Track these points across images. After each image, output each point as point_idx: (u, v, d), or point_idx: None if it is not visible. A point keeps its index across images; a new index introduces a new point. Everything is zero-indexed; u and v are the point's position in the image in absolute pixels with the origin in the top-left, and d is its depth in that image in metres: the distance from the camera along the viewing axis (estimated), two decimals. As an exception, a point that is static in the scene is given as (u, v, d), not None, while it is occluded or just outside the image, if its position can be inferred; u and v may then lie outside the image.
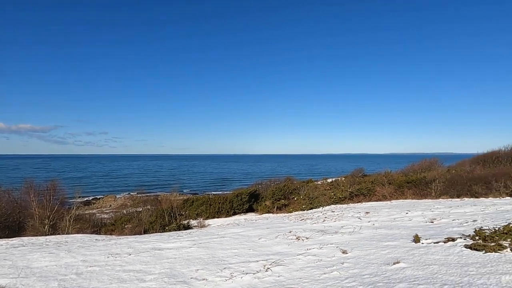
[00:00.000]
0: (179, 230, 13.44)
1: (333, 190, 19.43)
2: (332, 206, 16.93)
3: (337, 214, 11.80)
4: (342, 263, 5.18)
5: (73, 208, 16.44)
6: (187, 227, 14.69)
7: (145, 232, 15.25)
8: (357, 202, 16.91)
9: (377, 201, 16.54)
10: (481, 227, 6.16)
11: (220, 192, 33.67)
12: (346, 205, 16.46)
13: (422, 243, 5.80)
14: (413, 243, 5.97)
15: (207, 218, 18.54)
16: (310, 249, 6.54)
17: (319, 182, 25.94)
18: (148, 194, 30.08)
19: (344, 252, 5.95)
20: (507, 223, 5.72)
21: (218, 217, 18.98)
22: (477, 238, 5.26)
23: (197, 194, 36.80)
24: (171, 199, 19.95)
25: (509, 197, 13.23)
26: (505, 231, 5.19)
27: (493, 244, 4.78)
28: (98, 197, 38.51)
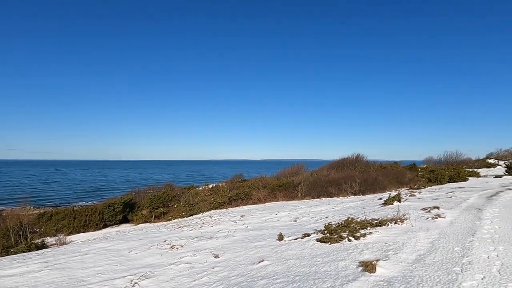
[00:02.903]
0: (30, 251, 11.15)
1: (213, 195, 19.78)
2: (212, 211, 17.20)
3: (215, 219, 12.04)
4: (213, 268, 5.28)
5: None
6: (41, 246, 12.32)
7: (-22, 258, 12.03)
8: (236, 206, 17.68)
9: (253, 204, 17.68)
10: (330, 222, 7.32)
11: (91, 203, 29.71)
12: (225, 209, 17.00)
13: (285, 241, 6.47)
14: (278, 241, 6.59)
15: (70, 233, 16.01)
16: (183, 257, 6.42)
17: (200, 188, 25.97)
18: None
19: (217, 256, 6.08)
20: (347, 217, 6.97)
21: (85, 232, 16.64)
22: (326, 232, 6.21)
23: (59, 206, 31.48)
24: (20, 214, 16.39)
25: (353, 196, 16.21)
26: (345, 224, 6.30)
27: (336, 236, 5.72)
28: None
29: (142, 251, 7.48)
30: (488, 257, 4.19)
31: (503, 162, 32.78)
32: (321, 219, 9.06)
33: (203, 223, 11.34)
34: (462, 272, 3.66)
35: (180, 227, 11.36)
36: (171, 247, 7.60)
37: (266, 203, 17.27)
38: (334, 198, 16.07)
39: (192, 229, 10.16)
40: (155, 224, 16.27)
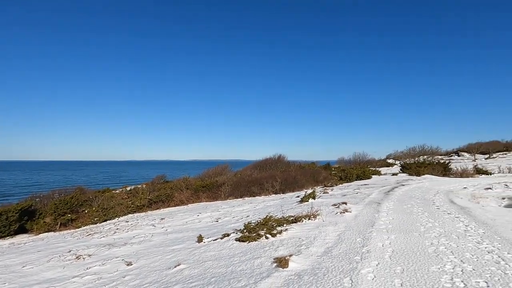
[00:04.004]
0: None
1: (131, 198, 18.45)
2: (129, 215, 16.04)
3: (131, 224, 11.23)
4: (124, 277, 4.87)
5: None
6: None
7: None
8: (156, 209, 16.81)
9: (175, 206, 17.05)
10: (250, 221, 7.46)
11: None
12: (144, 213, 16.04)
13: (204, 242, 6.35)
14: (197, 243, 6.44)
15: None
16: (90, 267, 5.79)
17: (117, 191, 24.03)
18: None
19: (129, 264, 5.64)
20: (266, 216, 7.19)
21: (-35, 247, 13.83)
22: (245, 231, 6.29)
23: None
24: None
25: (274, 195, 16.88)
26: (263, 222, 6.48)
27: (254, 234, 5.84)
28: None
29: (40, 265, 6.52)
30: (382, 245, 4.75)
31: (399, 162, 38.09)
32: (242, 218, 9.17)
33: (117, 229, 10.46)
34: (361, 260, 4.06)
35: (90, 234, 10.29)
36: (77, 257, 6.80)
37: (189, 205, 16.83)
38: (257, 197, 16.49)
39: (103, 236, 9.28)
40: (61, 232, 14.43)
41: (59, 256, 7.12)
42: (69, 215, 16.74)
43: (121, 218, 15.11)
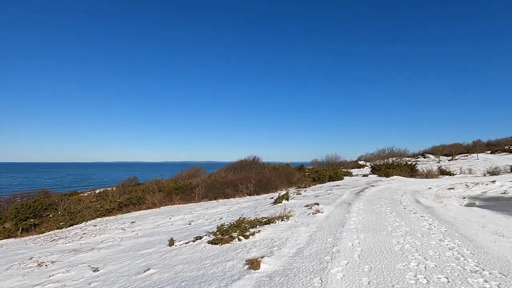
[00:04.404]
0: None
1: (100, 201, 17.74)
2: (98, 219, 15.43)
3: (100, 228, 10.80)
4: (90, 284, 4.66)
5: None
6: None
7: None
8: (127, 212, 16.29)
9: (147, 209, 16.60)
10: (224, 223, 7.40)
11: None
12: (114, 216, 15.49)
13: (176, 246, 6.22)
14: (168, 246, 6.29)
15: None
16: (53, 275, 5.49)
17: (85, 194, 23.05)
18: None
19: (96, 270, 5.41)
20: (239, 217, 7.16)
21: None
22: (217, 233, 6.23)
23: None
24: None
25: (249, 196, 16.89)
26: (236, 224, 6.45)
27: (227, 236, 5.80)
28: None
29: (-3, 274, 6.10)
30: (352, 245, 4.88)
31: (369, 164, 39.36)
32: (215, 220, 9.08)
33: (84, 234, 10.02)
34: (331, 260, 4.14)
35: (54, 240, 9.77)
36: (39, 264, 6.43)
37: (162, 207, 16.44)
38: (231, 199, 16.42)
39: (69, 241, 8.85)
40: (22, 238, 13.61)
41: (19, 263, 6.70)
42: (32, 220, 15.85)
43: (89, 222, 14.50)
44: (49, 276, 5.49)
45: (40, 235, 13.51)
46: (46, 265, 6.33)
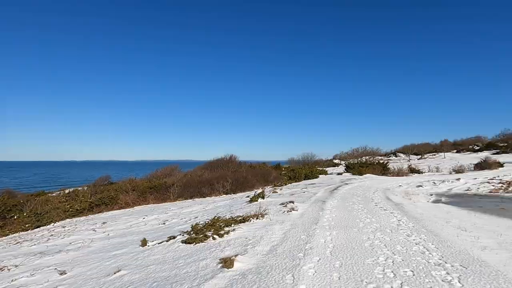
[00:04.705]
0: None
1: (69, 202, 17.03)
2: (67, 220, 14.80)
3: (69, 229, 10.37)
4: (56, 287, 4.46)
5: None
6: None
7: None
8: (98, 213, 15.74)
9: (120, 209, 16.12)
10: (198, 222, 7.32)
11: None
12: (85, 217, 14.92)
13: (148, 246, 6.08)
14: (141, 247, 6.14)
15: None
16: (16, 279, 5.21)
17: (54, 194, 22.03)
18: None
19: (63, 273, 5.19)
20: (214, 216, 7.11)
21: None
22: (192, 232, 6.15)
23: None
24: None
25: (225, 195, 16.81)
26: (211, 223, 6.40)
27: (201, 235, 5.74)
28: None
29: (-48, 280, 5.70)
30: (324, 242, 4.98)
31: (344, 162, 40.33)
32: (190, 220, 8.97)
33: (51, 235, 9.59)
34: (304, 257, 4.21)
35: (18, 242, 9.28)
36: (1, 268, 6.08)
37: (135, 207, 16.03)
38: (207, 198, 16.28)
39: (35, 244, 8.43)
40: (-17, 242, 12.82)
41: (-22, 268, 6.30)
42: (-7, 222, 14.94)
43: (57, 224, 13.87)
44: (12, 280, 5.20)
45: (3, 237, 12.76)
46: (8, 269, 6.00)
